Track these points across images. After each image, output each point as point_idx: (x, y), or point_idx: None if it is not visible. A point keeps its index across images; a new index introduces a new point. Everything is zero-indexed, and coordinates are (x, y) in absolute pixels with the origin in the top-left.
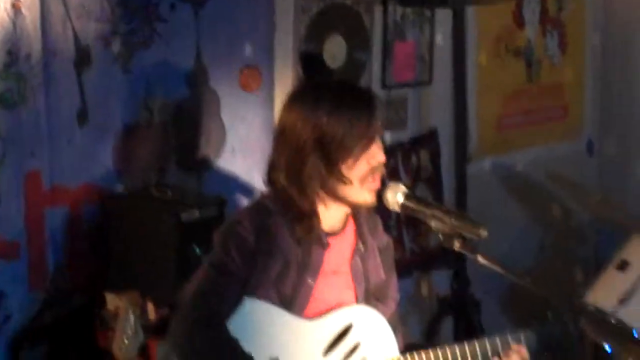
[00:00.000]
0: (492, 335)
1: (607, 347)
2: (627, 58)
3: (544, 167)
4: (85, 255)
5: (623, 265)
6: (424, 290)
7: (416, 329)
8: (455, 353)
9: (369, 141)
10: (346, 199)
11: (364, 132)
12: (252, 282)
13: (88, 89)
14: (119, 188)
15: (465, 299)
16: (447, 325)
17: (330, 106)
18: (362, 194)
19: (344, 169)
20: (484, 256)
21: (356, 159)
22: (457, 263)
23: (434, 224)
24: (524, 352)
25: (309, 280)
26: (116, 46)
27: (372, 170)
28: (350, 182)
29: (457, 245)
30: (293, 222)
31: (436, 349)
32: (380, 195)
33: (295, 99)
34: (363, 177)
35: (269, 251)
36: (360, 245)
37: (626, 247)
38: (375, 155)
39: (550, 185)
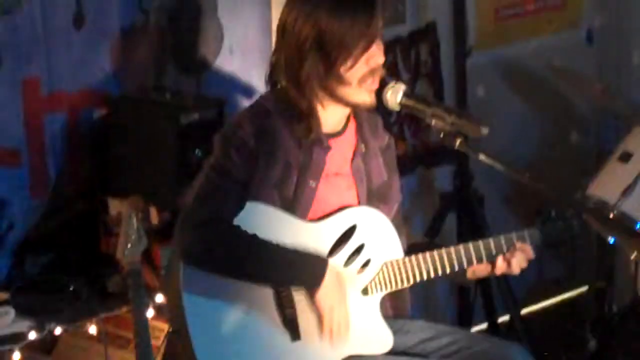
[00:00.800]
0: (496, 232)
1: (610, 240)
2: None
3: (544, 57)
4: (86, 161)
5: (625, 157)
6: None
7: (419, 225)
8: (460, 254)
9: (369, 42)
10: (345, 99)
11: (364, 32)
12: (254, 185)
13: None
14: (117, 91)
15: (468, 194)
16: (451, 221)
17: (331, 5)
18: (360, 94)
19: (343, 69)
20: (485, 154)
21: (355, 60)
22: (459, 159)
23: (434, 122)
24: (529, 250)
25: (311, 183)
26: None
27: (371, 72)
28: (349, 83)
29: (457, 143)
30: (292, 123)
31: (441, 250)
32: (379, 94)
33: (292, 2)
34: (362, 78)
35: (270, 153)
36: (362, 146)
37: (628, 138)
38: (375, 56)
39: (551, 76)
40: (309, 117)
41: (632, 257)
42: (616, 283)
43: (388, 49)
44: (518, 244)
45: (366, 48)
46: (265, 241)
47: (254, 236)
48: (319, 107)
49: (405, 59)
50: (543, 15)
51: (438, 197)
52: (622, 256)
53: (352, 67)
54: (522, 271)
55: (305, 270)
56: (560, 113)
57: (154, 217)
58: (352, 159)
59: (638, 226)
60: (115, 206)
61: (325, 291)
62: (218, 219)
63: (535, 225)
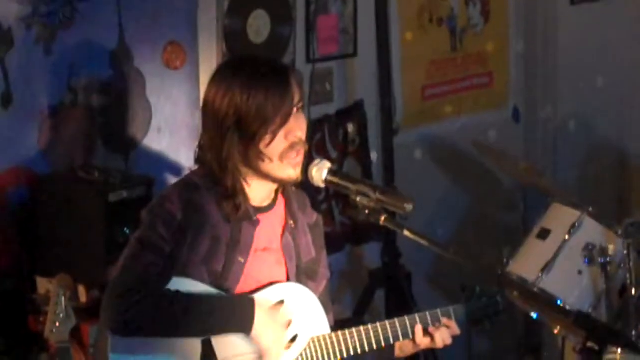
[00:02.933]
0: (424, 308)
1: (533, 315)
2: (550, 23)
3: (471, 135)
4: (14, 239)
5: (544, 234)
6: None
7: (349, 302)
8: (386, 329)
9: (286, 116)
10: (269, 175)
11: (279, 107)
12: (182, 260)
13: (11, 71)
14: (46, 170)
15: (396, 271)
16: (379, 298)
17: (245, 81)
18: (284, 170)
19: (262, 145)
20: (410, 230)
21: (274, 135)
22: (387, 235)
23: (359, 199)
24: (454, 325)
25: (240, 258)
26: (38, 27)
27: (292, 146)
28: (270, 159)
29: (382, 219)
30: (220, 200)
31: (367, 326)
32: (305, 171)
33: (215, 76)
34: (282, 153)
35: (198, 227)
36: (291, 222)
37: (546, 215)
38: (293, 130)
39: (477, 154)
40: (236, 194)
41: (556, 331)
42: (544, 358)
43: (316, 127)
44: (444, 320)
45: (283, 123)
46: (189, 295)
47: (177, 292)
48: (247, 183)
49: (333, 137)
50: (470, 93)
51: (367, 274)
52: (549, 331)
53: (270, 142)
54: (450, 347)
55: (234, 314)
56: (486, 190)
57: (83, 295)
58: (282, 235)
59: (559, 302)
60: (43, 285)
61: (261, 329)
62: (143, 287)
63: (460, 301)
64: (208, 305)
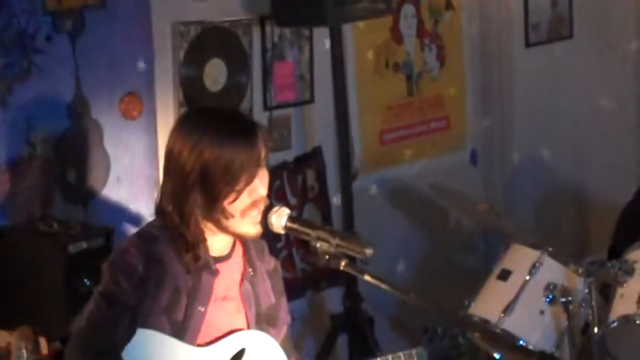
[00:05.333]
0: (387, 352)
1: (497, 356)
2: (506, 66)
3: (430, 179)
4: None
5: (505, 275)
6: None
7: (311, 348)
8: None
9: (252, 175)
10: (228, 230)
11: (246, 167)
12: (143, 311)
13: None
14: (4, 222)
15: (358, 316)
16: (342, 343)
17: (213, 138)
18: (244, 226)
19: (226, 203)
20: (371, 274)
21: (238, 193)
22: (348, 281)
23: (319, 245)
24: None
25: (200, 308)
26: None
27: (254, 203)
28: (232, 216)
29: (342, 265)
30: (180, 250)
31: None
32: (265, 218)
33: (181, 128)
34: (244, 210)
35: (158, 279)
36: (249, 270)
37: (506, 256)
38: (257, 188)
39: (436, 197)
40: (196, 246)
41: None
42: None
43: (275, 174)
44: None
45: (249, 181)
46: None
47: None
48: (207, 234)
49: (292, 183)
50: (427, 137)
51: (329, 320)
52: None
53: (234, 200)
54: None
55: None
56: (446, 232)
57: (44, 347)
58: (241, 283)
59: (522, 342)
60: (4, 337)
61: None
62: (108, 350)
63: (422, 343)
64: None
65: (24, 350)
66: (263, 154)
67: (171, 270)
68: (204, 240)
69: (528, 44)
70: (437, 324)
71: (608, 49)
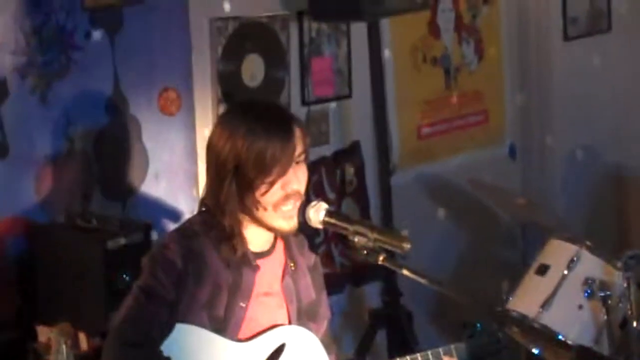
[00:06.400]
0: (426, 347)
1: (535, 351)
2: (544, 60)
3: (468, 173)
4: (13, 289)
5: (543, 270)
6: None
7: (350, 344)
8: None
9: (284, 168)
10: (262, 222)
11: (279, 159)
12: (183, 307)
13: (7, 121)
14: (44, 219)
15: (397, 311)
16: (381, 338)
17: (247, 129)
18: (277, 220)
19: (258, 194)
20: (409, 269)
21: (270, 185)
22: (387, 276)
23: (357, 239)
24: None
25: (241, 304)
26: (33, 77)
27: (287, 197)
28: (265, 208)
29: (381, 259)
30: (219, 244)
31: None
32: (303, 213)
33: (221, 119)
34: (277, 203)
35: (198, 274)
36: (291, 265)
37: (544, 250)
38: (291, 182)
39: (475, 192)
40: (232, 237)
41: None
42: None
43: (313, 169)
44: (445, 358)
45: (281, 175)
46: None
47: None
48: (245, 228)
49: (331, 178)
50: (466, 131)
51: (367, 315)
52: None
53: (266, 192)
54: None
55: None
56: (484, 227)
57: (83, 343)
58: (282, 278)
59: (560, 337)
60: (44, 333)
61: None
62: (147, 343)
63: (462, 339)
64: None
65: (63, 346)
66: (300, 149)
67: (211, 265)
68: (240, 231)
69: (566, 38)
70: (476, 319)
71: None
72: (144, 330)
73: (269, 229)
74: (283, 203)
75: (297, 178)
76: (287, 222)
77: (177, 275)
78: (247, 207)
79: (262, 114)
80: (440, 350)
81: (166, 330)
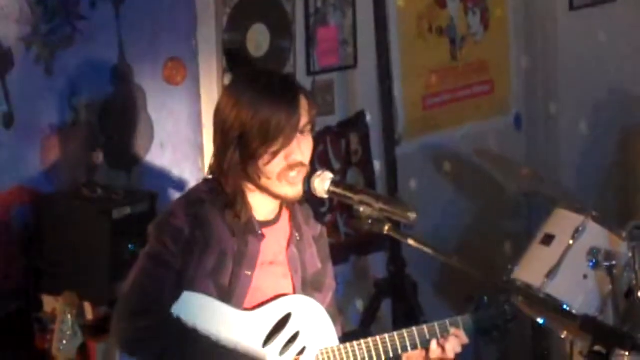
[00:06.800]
0: (431, 317)
1: (540, 321)
2: (550, 29)
3: (473, 143)
4: (19, 258)
5: (548, 240)
6: None
7: (355, 314)
8: (395, 341)
9: (288, 139)
10: (267, 190)
11: (282, 129)
12: (189, 274)
13: (12, 91)
14: (49, 189)
15: (402, 281)
16: (386, 308)
17: (254, 98)
18: (281, 188)
19: (261, 163)
20: (414, 239)
21: (273, 155)
22: (392, 245)
23: (362, 209)
24: (462, 335)
25: (246, 272)
26: (38, 47)
27: (290, 167)
28: (268, 177)
29: (386, 229)
30: (224, 211)
31: (376, 337)
32: (308, 182)
33: (229, 87)
34: (280, 172)
35: (204, 242)
36: (296, 234)
37: (549, 220)
38: (294, 153)
39: (480, 162)
40: (236, 203)
41: (563, 336)
42: None
43: (318, 139)
44: (452, 330)
45: (285, 145)
46: (203, 338)
47: (192, 331)
48: (250, 196)
49: (336, 148)
50: (471, 102)
51: (373, 285)
52: (557, 337)
53: (269, 162)
54: (458, 356)
55: None
56: (490, 197)
57: (89, 312)
58: (287, 247)
59: (565, 307)
60: (49, 303)
61: None
62: (155, 309)
63: (467, 309)
64: (216, 356)
65: (69, 316)
66: (305, 120)
67: (217, 233)
68: (244, 198)
69: (572, 7)
70: (482, 290)
71: None
72: (152, 297)
73: (274, 196)
74: (286, 172)
75: (301, 149)
76: (292, 188)
77: (184, 242)
78: (250, 175)
79: (268, 83)
80: (447, 322)
81: (174, 297)
